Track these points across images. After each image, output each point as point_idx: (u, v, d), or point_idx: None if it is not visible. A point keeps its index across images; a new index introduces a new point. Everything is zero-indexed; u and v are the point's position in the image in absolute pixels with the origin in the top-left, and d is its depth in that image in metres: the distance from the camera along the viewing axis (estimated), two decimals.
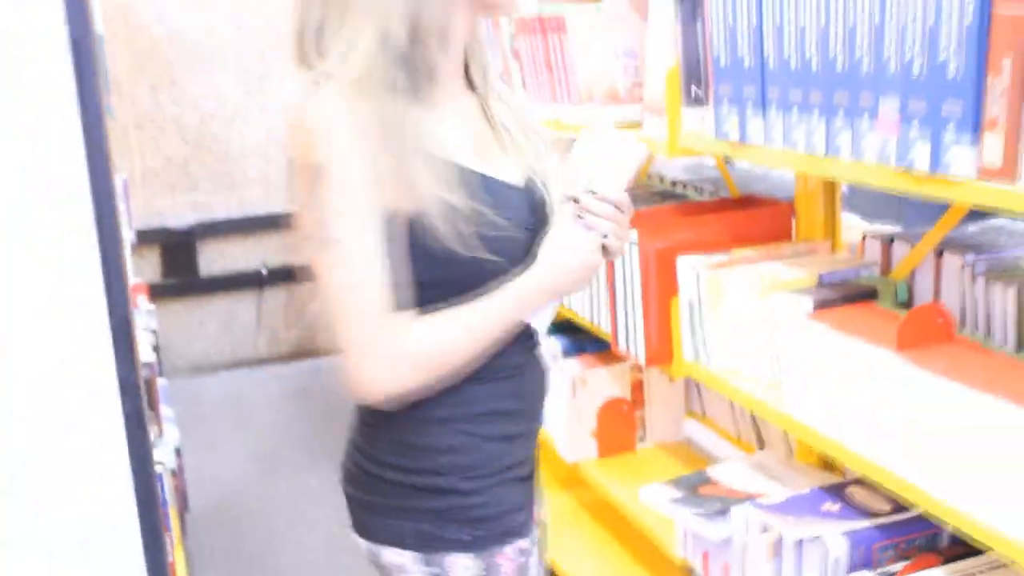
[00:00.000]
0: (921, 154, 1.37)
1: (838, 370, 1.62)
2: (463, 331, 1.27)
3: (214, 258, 4.81)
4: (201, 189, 4.77)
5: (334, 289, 1.21)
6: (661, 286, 2.02)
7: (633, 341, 2.11)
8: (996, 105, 1.27)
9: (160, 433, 2.78)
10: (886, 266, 1.90)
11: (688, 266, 1.96)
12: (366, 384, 1.24)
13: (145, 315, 3.20)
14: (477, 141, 1.33)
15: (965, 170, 1.30)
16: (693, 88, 1.89)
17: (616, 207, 1.33)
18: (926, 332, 1.59)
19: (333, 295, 1.22)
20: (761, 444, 2.31)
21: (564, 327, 2.67)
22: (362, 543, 1.38)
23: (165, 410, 3.14)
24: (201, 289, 4.83)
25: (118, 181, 3.47)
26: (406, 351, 1.23)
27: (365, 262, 1.20)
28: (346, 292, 1.21)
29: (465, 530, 1.31)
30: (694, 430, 2.54)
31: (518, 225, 1.30)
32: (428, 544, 1.31)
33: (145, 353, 2.78)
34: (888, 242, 1.90)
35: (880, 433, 1.53)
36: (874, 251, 1.93)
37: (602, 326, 2.31)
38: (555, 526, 2.73)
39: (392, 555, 1.33)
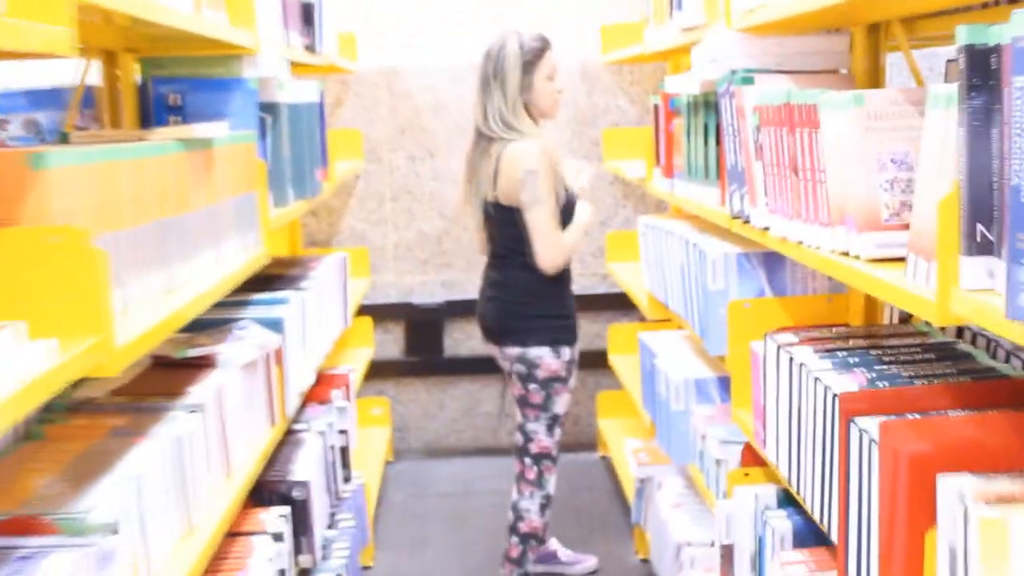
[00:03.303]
0: None
1: None
2: (573, 236, 3.02)
3: (461, 339, 4.51)
4: (454, 267, 4.50)
5: (538, 228, 2.94)
6: (911, 510, 1.36)
7: (867, 571, 1.46)
8: None
9: (315, 562, 2.42)
10: None
11: (953, 491, 1.29)
12: (549, 264, 2.98)
13: (335, 412, 2.89)
14: None
15: None
16: (979, 228, 1.25)
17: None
18: None
19: (538, 231, 2.94)
20: None
21: (789, 499, 2.03)
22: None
23: (344, 519, 2.81)
24: (444, 370, 4.55)
25: (337, 259, 3.22)
26: (566, 243, 3.00)
27: (554, 214, 2.96)
28: (545, 230, 2.94)
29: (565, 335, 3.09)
30: None
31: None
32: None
33: (310, 462, 2.44)
34: None
35: None
36: None
37: (831, 532, 1.67)
38: None
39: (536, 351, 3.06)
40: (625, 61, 4.16)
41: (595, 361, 4.45)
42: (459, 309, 4.42)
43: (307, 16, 2.89)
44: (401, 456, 4.57)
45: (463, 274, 4.48)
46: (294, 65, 3.30)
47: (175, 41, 2.16)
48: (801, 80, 2.13)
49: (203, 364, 2.05)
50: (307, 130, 2.77)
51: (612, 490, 4.11)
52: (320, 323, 2.86)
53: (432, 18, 4.36)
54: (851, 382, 1.64)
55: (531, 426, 3.10)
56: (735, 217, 2.18)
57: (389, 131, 4.39)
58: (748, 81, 2.05)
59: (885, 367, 1.72)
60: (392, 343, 4.52)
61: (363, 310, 4.36)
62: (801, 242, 1.81)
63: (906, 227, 1.57)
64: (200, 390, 1.90)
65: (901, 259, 1.54)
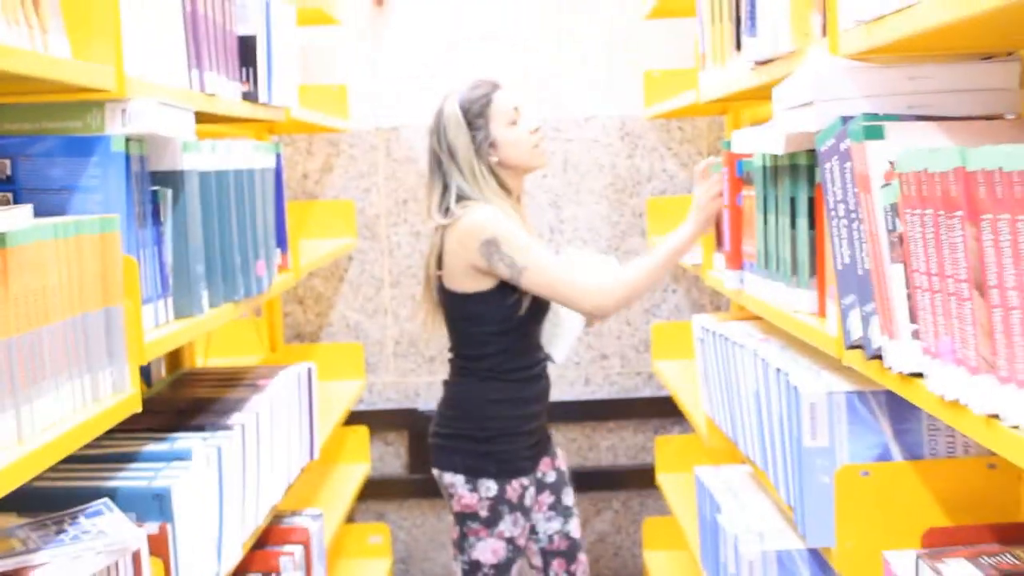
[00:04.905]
0: None
1: None
2: (643, 271, 2.40)
3: None
4: None
5: (554, 283, 2.36)
6: None
7: None
8: None
9: None
10: None
11: None
12: (597, 308, 2.39)
13: None
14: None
15: None
16: None
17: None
18: None
19: (556, 286, 2.36)
20: None
21: None
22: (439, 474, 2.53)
23: None
24: None
25: (296, 372, 2.47)
26: (612, 284, 2.39)
27: (553, 261, 2.41)
28: (560, 279, 2.36)
29: (492, 465, 2.44)
30: None
31: None
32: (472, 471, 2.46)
33: None
34: None
35: None
36: None
37: None
38: None
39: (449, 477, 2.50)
40: (674, 114, 3.41)
41: (640, 479, 3.66)
42: None
43: (246, 54, 2.16)
44: None
45: None
46: (242, 123, 2.59)
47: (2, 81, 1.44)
48: (951, 132, 1.36)
49: None
50: (241, 207, 2.04)
51: None
52: (260, 469, 2.10)
53: (442, 70, 3.65)
54: None
55: (453, 565, 2.55)
56: (853, 347, 1.39)
57: (388, 202, 3.67)
58: (876, 134, 1.28)
59: None
60: (393, 457, 3.75)
61: (357, 417, 3.60)
62: (996, 416, 1.02)
63: None
64: None
65: None
